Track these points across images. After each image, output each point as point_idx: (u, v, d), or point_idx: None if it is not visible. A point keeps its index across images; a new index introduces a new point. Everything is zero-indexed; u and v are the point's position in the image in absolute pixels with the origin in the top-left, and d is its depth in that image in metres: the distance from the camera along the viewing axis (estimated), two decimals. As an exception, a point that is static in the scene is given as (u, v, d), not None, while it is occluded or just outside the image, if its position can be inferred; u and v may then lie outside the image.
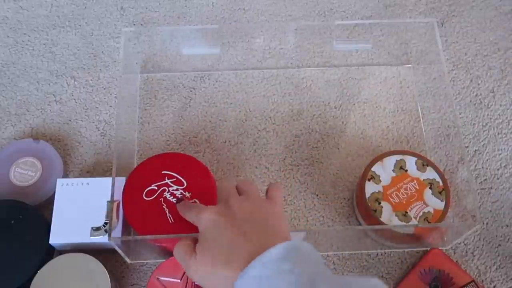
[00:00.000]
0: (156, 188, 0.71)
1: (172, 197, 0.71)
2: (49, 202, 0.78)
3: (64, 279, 0.68)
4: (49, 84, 0.88)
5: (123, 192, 0.71)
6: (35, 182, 0.77)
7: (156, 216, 0.69)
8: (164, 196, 0.70)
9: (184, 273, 0.70)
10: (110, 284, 0.68)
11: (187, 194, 0.71)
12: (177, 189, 0.71)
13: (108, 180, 0.74)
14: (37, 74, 0.88)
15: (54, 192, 0.75)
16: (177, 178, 0.71)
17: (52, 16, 0.93)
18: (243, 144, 0.84)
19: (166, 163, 0.72)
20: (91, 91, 0.87)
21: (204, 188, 0.71)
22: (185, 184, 0.71)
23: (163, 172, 0.72)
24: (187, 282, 0.70)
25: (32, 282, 0.68)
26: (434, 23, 0.80)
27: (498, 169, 0.82)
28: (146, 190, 0.71)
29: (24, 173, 0.78)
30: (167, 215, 0.69)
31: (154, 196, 0.70)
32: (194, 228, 0.69)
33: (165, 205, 0.70)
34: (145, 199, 0.70)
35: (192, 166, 0.73)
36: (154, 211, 0.69)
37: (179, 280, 0.70)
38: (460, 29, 0.93)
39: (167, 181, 0.71)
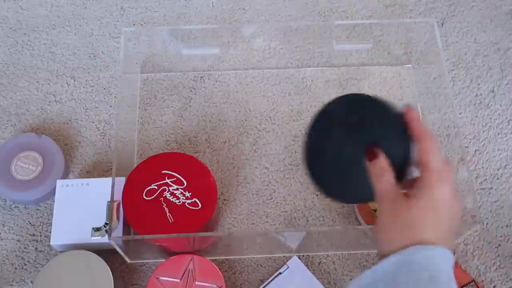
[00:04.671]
0: (156, 187, 0.71)
1: (172, 196, 0.71)
2: (49, 198, 0.78)
3: (67, 277, 0.68)
4: (49, 84, 0.88)
5: (123, 191, 0.71)
6: (36, 176, 0.77)
7: (156, 216, 0.69)
8: (164, 195, 0.70)
9: (184, 273, 0.70)
10: (112, 281, 0.68)
11: (187, 194, 0.71)
12: (177, 189, 0.71)
13: (108, 180, 0.74)
14: (37, 74, 0.88)
15: (55, 187, 0.75)
16: (177, 177, 0.71)
17: (52, 16, 0.93)
18: (243, 144, 0.84)
19: (166, 162, 0.72)
20: (91, 91, 0.87)
21: (204, 188, 0.71)
22: (185, 184, 0.71)
23: (163, 171, 0.72)
24: (187, 282, 0.70)
25: (35, 280, 0.68)
26: (434, 23, 0.80)
27: (498, 169, 0.82)
28: (146, 190, 0.71)
29: (25, 167, 0.78)
30: (167, 214, 0.69)
31: (154, 196, 0.70)
32: (194, 228, 0.70)
33: (165, 205, 0.70)
34: (145, 199, 0.70)
35: (192, 165, 0.73)
36: (154, 211, 0.70)
37: (179, 280, 0.70)
38: (460, 29, 0.93)
39: (167, 180, 0.71)
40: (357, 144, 0.53)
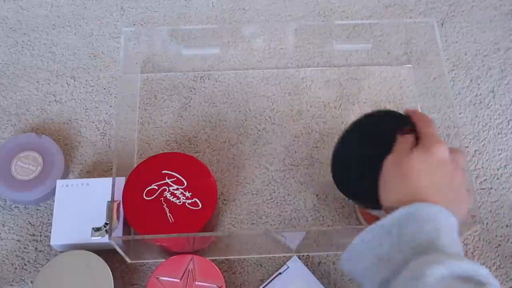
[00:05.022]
0: (156, 187, 0.71)
1: (172, 196, 0.71)
2: (49, 198, 0.78)
3: (67, 277, 0.68)
4: (49, 84, 0.88)
5: (123, 191, 0.71)
6: (36, 176, 0.77)
7: (157, 216, 0.69)
8: (164, 195, 0.71)
9: (184, 273, 0.70)
10: (112, 281, 0.68)
11: (187, 194, 0.71)
12: (177, 189, 0.71)
13: (108, 180, 0.74)
14: (37, 74, 0.88)
15: (55, 187, 0.75)
16: (178, 177, 0.72)
17: (52, 16, 0.93)
18: (243, 144, 0.84)
19: (166, 162, 0.72)
20: (91, 91, 0.87)
21: (204, 188, 0.71)
22: (186, 184, 0.71)
23: (163, 171, 0.72)
24: (187, 282, 0.70)
25: (35, 280, 0.68)
26: (434, 23, 0.80)
27: (498, 169, 0.82)
28: (146, 190, 0.71)
29: (25, 167, 0.78)
30: (167, 214, 0.69)
31: (155, 196, 0.71)
32: (194, 228, 0.70)
33: (165, 205, 0.70)
34: (145, 199, 0.70)
35: (192, 165, 0.73)
36: (154, 211, 0.70)
37: (179, 280, 0.70)
38: (460, 29, 0.93)
39: (167, 180, 0.71)
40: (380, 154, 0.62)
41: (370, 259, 0.55)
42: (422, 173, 0.57)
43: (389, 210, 0.56)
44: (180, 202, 0.70)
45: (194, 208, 0.70)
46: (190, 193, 0.71)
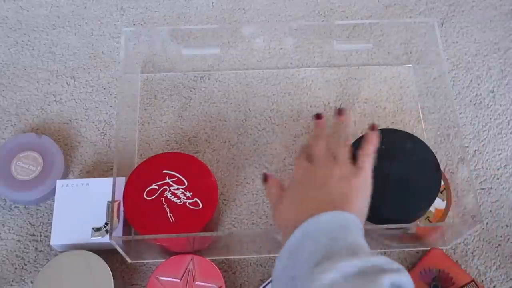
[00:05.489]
0: (157, 187, 0.71)
1: (173, 196, 0.71)
2: (49, 198, 0.78)
3: (67, 277, 0.68)
4: (49, 84, 0.88)
5: (124, 191, 0.71)
6: (36, 176, 0.77)
7: (157, 216, 0.69)
8: (165, 195, 0.70)
9: (184, 273, 0.70)
10: (112, 281, 0.68)
11: (188, 194, 0.71)
12: (178, 189, 0.71)
13: (108, 180, 0.74)
14: (37, 74, 0.88)
15: (55, 187, 0.75)
16: (178, 177, 0.72)
17: (52, 16, 0.93)
18: (243, 144, 0.84)
19: (167, 162, 0.72)
20: (91, 91, 0.87)
21: (205, 188, 0.71)
22: (186, 184, 0.71)
23: (164, 171, 0.72)
24: (187, 282, 0.70)
25: (35, 280, 0.68)
26: (435, 23, 0.80)
27: (498, 169, 0.82)
28: (147, 190, 0.71)
29: (25, 167, 0.78)
30: (168, 214, 0.69)
31: (155, 196, 0.70)
32: (195, 228, 0.70)
33: (166, 205, 0.70)
34: (146, 199, 0.70)
35: (193, 165, 0.73)
36: (155, 211, 0.70)
37: (179, 280, 0.70)
38: (460, 29, 0.93)
39: (168, 180, 0.71)
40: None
41: (288, 285, 0.53)
42: (290, 202, 0.60)
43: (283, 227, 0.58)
44: (180, 202, 0.70)
45: (195, 208, 0.70)
46: (191, 193, 0.71)
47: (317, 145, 0.64)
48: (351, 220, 0.55)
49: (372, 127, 0.65)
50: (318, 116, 0.68)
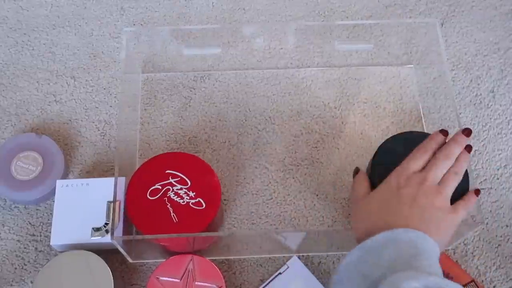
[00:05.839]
0: (160, 187, 0.71)
1: (176, 196, 0.71)
2: (49, 198, 0.78)
3: (67, 277, 0.68)
4: (49, 84, 0.88)
5: (126, 191, 0.71)
6: (36, 176, 0.77)
7: (160, 216, 0.69)
8: (168, 195, 0.70)
9: (184, 273, 0.70)
10: (112, 281, 0.68)
11: (191, 193, 0.71)
12: (181, 188, 0.71)
13: (108, 180, 0.74)
14: (37, 74, 0.88)
15: (55, 187, 0.75)
16: (181, 177, 0.71)
17: (52, 16, 0.93)
18: (243, 144, 0.84)
19: (170, 162, 0.72)
20: (91, 91, 0.87)
21: (208, 187, 0.71)
22: (189, 183, 0.71)
23: (167, 171, 0.72)
24: (187, 282, 0.70)
25: (35, 280, 0.68)
26: (436, 23, 0.80)
27: (498, 169, 0.82)
28: (150, 190, 0.71)
29: (25, 167, 0.78)
30: (171, 214, 0.69)
31: (158, 196, 0.70)
32: (198, 228, 0.69)
33: (169, 205, 0.70)
34: (149, 199, 0.70)
35: (195, 165, 0.73)
36: (158, 211, 0.70)
37: (179, 280, 0.70)
38: (460, 29, 0.93)
39: (171, 180, 0.71)
40: None
41: (357, 280, 0.56)
42: (378, 204, 0.62)
43: (361, 240, 0.58)
44: (184, 202, 0.70)
45: (198, 208, 0.70)
46: (194, 193, 0.71)
47: (436, 165, 0.63)
48: (435, 248, 0.57)
49: (476, 192, 0.67)
50: (443, 132, 0.68)
